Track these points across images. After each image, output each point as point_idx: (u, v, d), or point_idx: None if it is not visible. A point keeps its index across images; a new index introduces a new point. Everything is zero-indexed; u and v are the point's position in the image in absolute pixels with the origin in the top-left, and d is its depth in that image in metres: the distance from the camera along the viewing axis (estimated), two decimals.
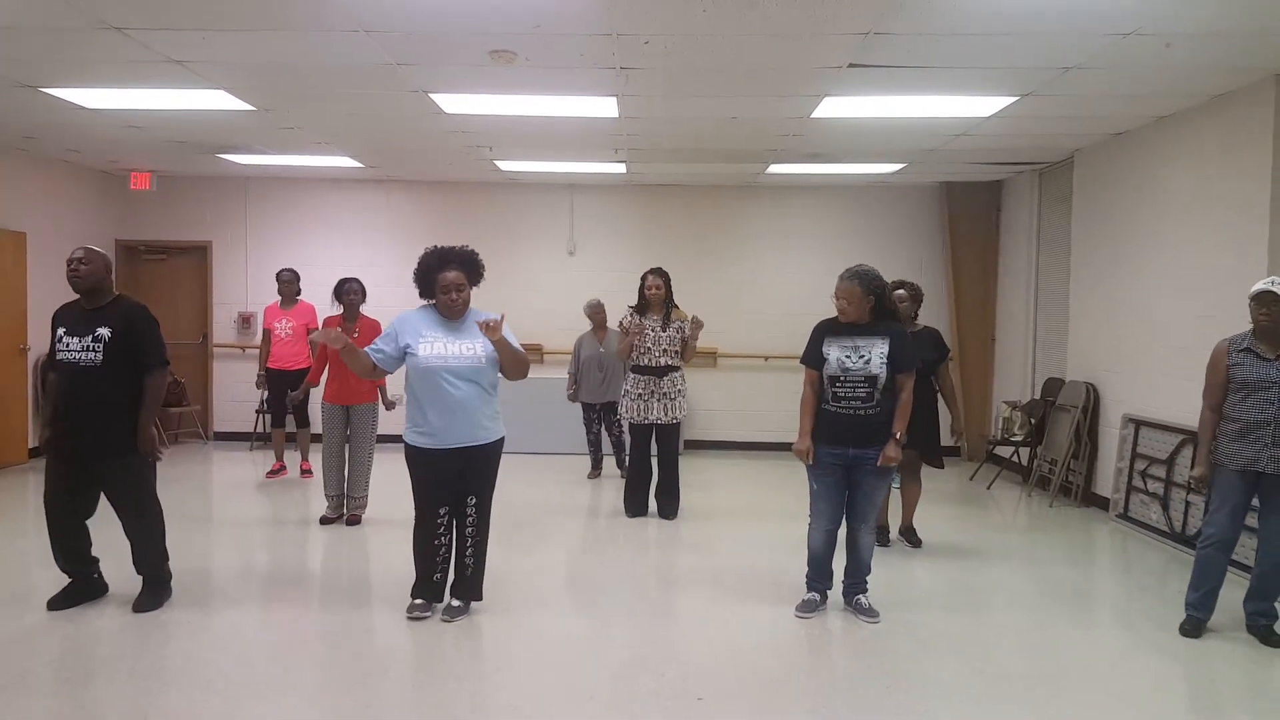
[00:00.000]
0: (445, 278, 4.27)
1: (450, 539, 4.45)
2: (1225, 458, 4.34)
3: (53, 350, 4.40)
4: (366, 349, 4.32)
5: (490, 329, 4.17)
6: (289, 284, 7.94)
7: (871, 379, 4.38)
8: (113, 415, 4.32)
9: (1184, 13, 4.35)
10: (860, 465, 4.44)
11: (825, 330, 4.54)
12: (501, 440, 4.45)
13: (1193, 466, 4.52)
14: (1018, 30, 4.63)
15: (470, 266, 4.35)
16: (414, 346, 4.24)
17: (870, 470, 4.43)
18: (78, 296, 4.44)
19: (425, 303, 4.42)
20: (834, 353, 4.44)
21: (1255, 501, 4.37)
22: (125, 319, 4.35)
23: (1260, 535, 4.40)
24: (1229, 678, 4.05)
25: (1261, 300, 4.21)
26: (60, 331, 4.36)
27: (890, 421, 4.41)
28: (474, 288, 4.41)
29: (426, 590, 4.47)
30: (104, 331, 4.30)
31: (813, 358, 4.54)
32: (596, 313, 8.07)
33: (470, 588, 4.51)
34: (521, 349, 4.40)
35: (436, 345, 4.24)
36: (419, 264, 4.36)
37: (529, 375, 4.54)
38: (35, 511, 6.93)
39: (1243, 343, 4.33)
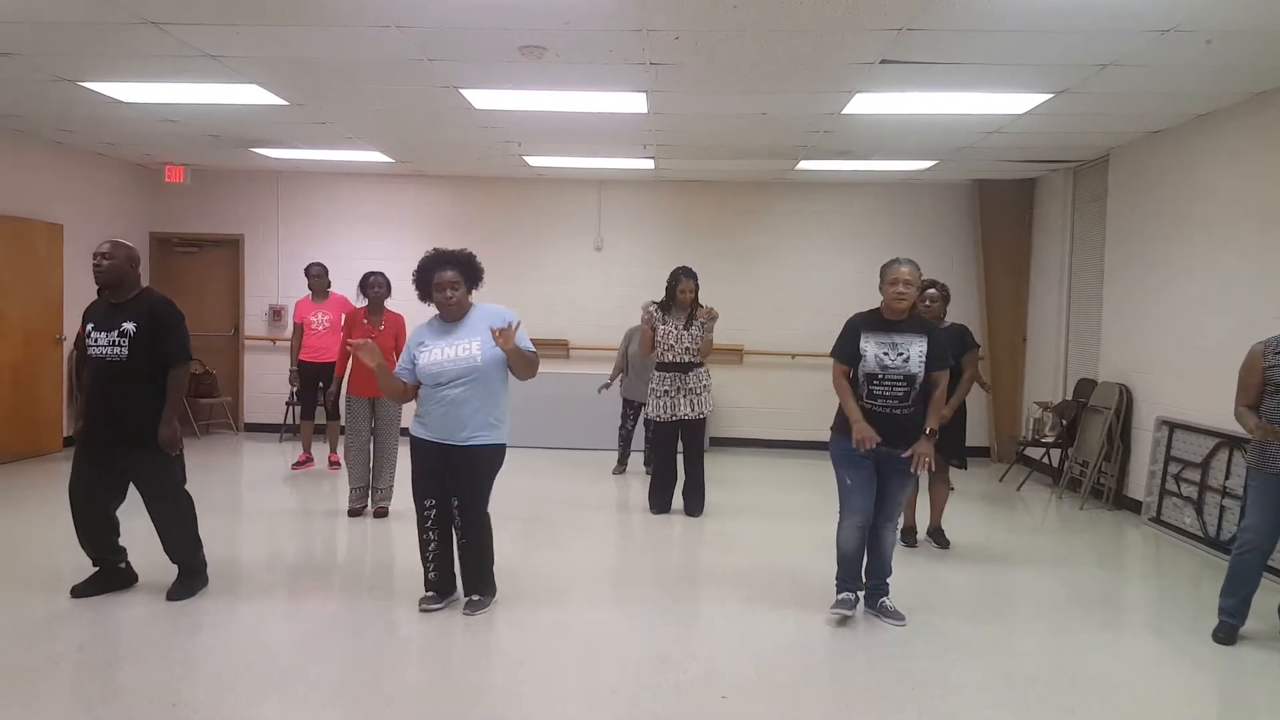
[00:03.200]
0: (441, 277, 4.27)
1: (441, 535, 4.44)
2: (1263, 462, 4.26)
3: (82, 345, 4.48)
4: (397, 369, 4.42)
5: (503, 338, 4.11)
6: (319, 278, 8.04)
7: (910, 378, 4.28)
8: (138, 408, 4.36)
9: (1225, 9, 4.27)
10: (890, 462, 4.37)
11: (861, 325, 4.39)
12: (493, 449, 4.36)
13: (1252, 431, 4.26)
14: (1053, 26, 4.56)
15: (467, 269, 4.33)
16: (417, 357, 4.32)
17: (900, 468, 4.36)
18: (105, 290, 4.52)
19: (435, 314, 4.43)
20: (871, 349, 4.31)
21: None
22: (149, 313, 4.39)
23: None
24: (1263, 686, 3.97)
25: None
26: (89, 327, 4.43)
27: (923, 420, 4.35)
28: (475, 290, 4.41)
29: (430, 584, 4.51)
30: (128, 326, 4.35)
31: (848, 353, 4.38)
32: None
33: (474, 587, 4.49)
34: (532, 350, 4.34)
35: (434, 352, 4.27)
36: (417, 266, 4.36)
37: (552, 370, 4.52)
38: (66, 500, 7.06)
39: (1278, 345, 4.26)
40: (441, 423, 4.28)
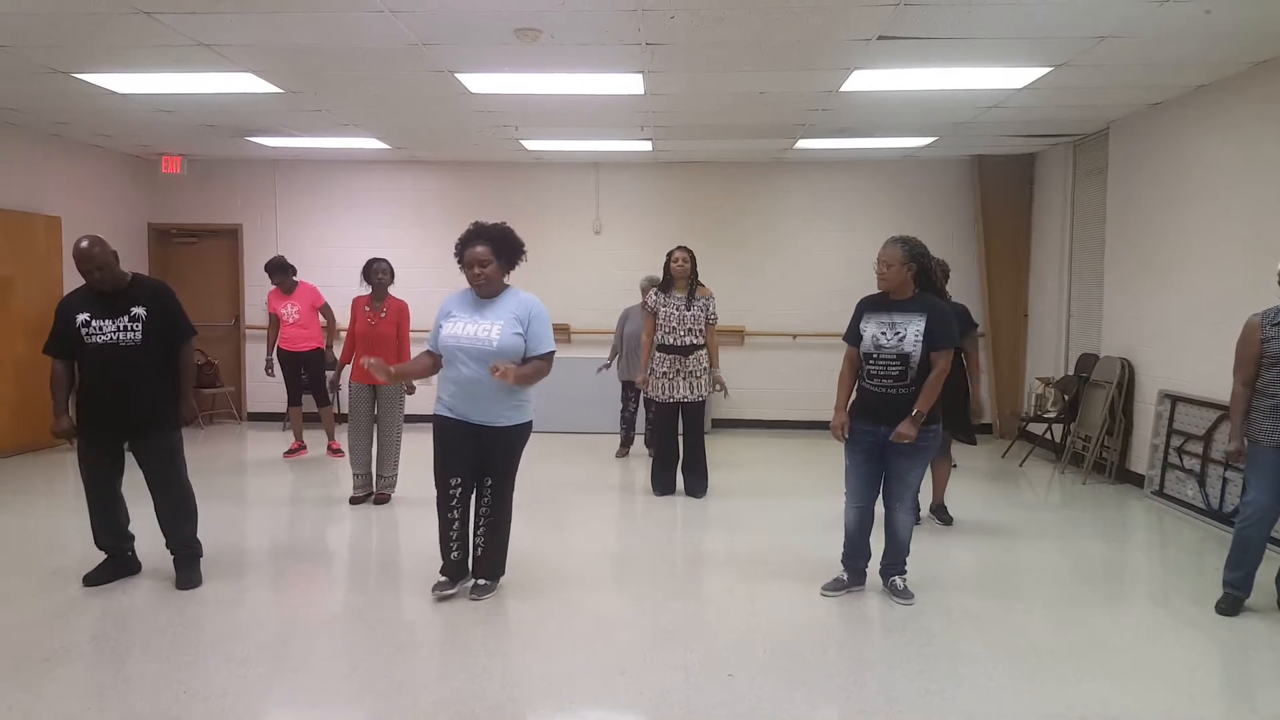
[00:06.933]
0: (471, 253, 4.27)
1: (464, 515, 4.44)
2: (1261, 435, 4.26)
3: (77, 336, 4.38)
4: (428, 341, 4.46)
5: (501, 375, 4.06)
6: (278, 272, 8.03)
7: (904, 357, 4.25)
8: (156, 389, 4.48)
9: None
10: (892, 444, 4.35)
11: (866, 306, 4.45)
12: (522, 427, 4.37)
13: (1229, 441, 4.44)
14: None
15: (501, 243, 4.30)
16: (442, 325, 4.33)
17: (901, 450, 4.32)
18: (84, 284, 4.49)
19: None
20: (870, 329, 4.35)
21: None
22: (155, 297, 4.50)
23: None
24: (1266, 657, 3.98)
25: None
26: (83, 318, 4.39)
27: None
28: (513, 268, 4.39)
29: (447, 567, 4.49)
30: (139, 311, 4.42)
31: (851, 334, 4.47)
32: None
33: (486, 568, 4.49)
34: (548, 350, 4.31)
35: (456, 325, 4.27)
36: (459, 238, 4.36)
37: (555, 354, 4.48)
38: (73, 492, 7.10)
39: (1276, 316, 4.26)
40: (461, 402, 4.28)
